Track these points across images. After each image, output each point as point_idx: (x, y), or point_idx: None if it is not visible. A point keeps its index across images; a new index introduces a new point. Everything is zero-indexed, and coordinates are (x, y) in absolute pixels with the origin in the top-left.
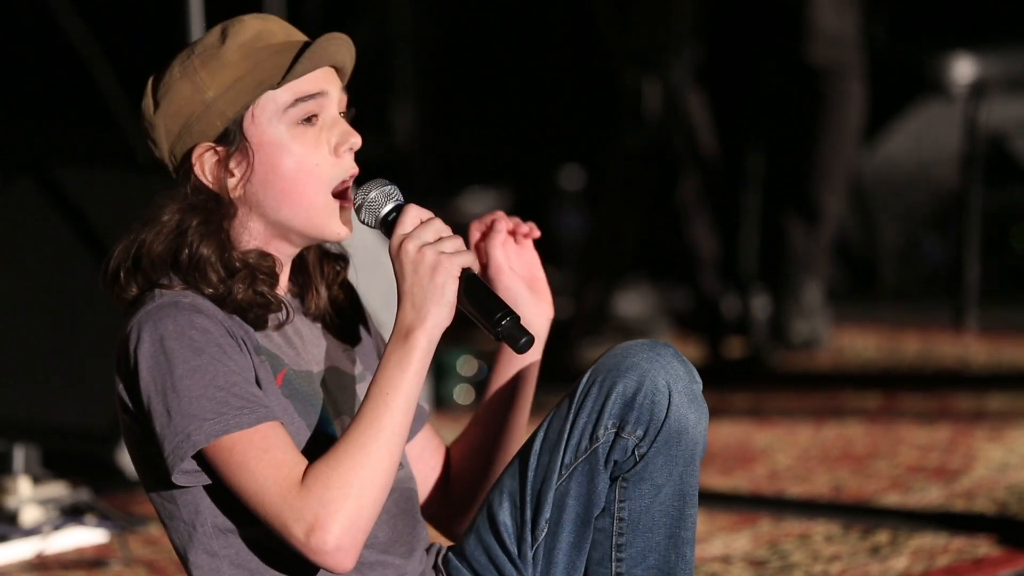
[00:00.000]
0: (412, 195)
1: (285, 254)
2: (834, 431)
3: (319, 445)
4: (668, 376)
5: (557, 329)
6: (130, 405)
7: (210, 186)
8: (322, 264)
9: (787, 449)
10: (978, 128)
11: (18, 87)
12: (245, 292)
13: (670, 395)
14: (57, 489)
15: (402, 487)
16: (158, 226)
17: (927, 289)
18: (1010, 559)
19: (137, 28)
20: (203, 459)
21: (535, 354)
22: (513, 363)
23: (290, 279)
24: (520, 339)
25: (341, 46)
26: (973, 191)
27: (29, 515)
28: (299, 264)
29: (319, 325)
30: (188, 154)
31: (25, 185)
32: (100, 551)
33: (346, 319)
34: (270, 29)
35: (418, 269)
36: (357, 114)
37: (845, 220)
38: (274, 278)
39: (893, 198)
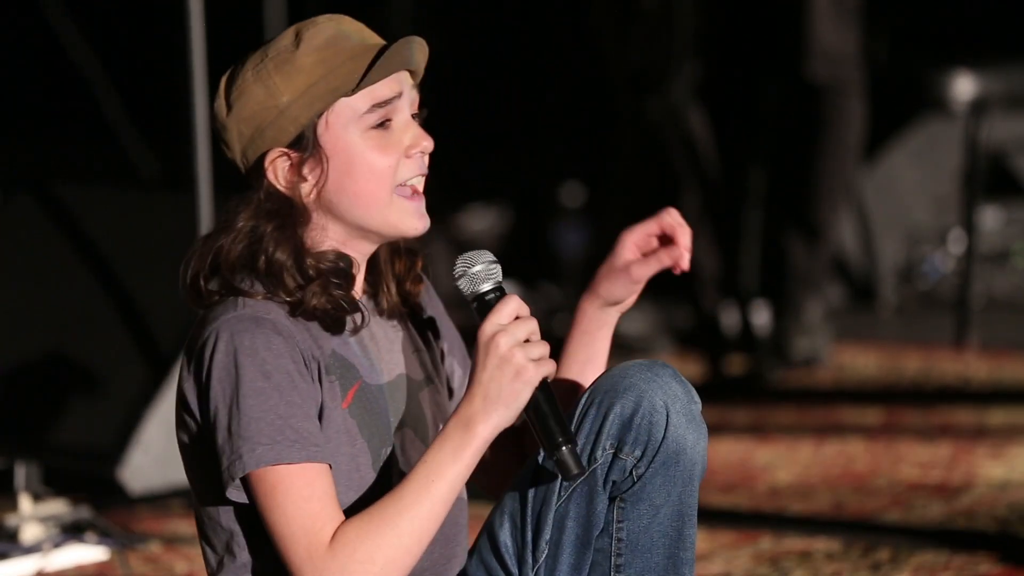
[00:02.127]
0: None
1: (363, 252)
2: (835, 448)
3: (382, 466)
4: (666, 396)
5: (558, 346)
6: (192, 404)
7: (283, 191)
8: (393, 259)
9: (788, 466)
10: (979, 145)
11: (18, 103)
12: (319, 298)
13: (668, 415)
14: (57, 506)
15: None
16: (233, 232)
17: (928, 306)
18: None
19: (137, 44)
20: (247, 483)
21: (612, 320)
22: (591, 331)
23: (365, 279)
24: (572, 470)
25: (415, 49)
26: (974, 208)
27: (30, 532)
28: (371, 261)
29: (393, 323)
30: (261, 159)
31: (26, 201)
32: (100, 568)
33: (420, 315)
34: (344, 32)
35: (503, 367)
36: None
37: (845, 237)
38: (349, 280)
39: (894, 215)
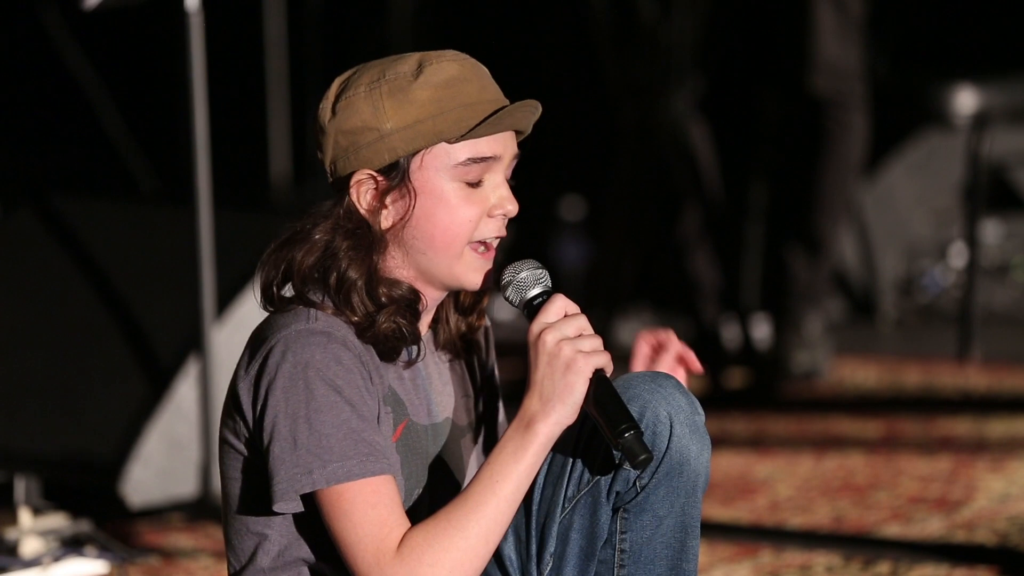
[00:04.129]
0: None
1: (431, 297)
2: (835, 462)
3: (414, 506)
4: (670, 407)
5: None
6: (245, 405)
7: (363, 213)
8: (460, 291)
9: (788, 480)
10: (980, 159)
11: (19, 117)
12: (387, 323)
13: (671, 426)
14: (57, 520)
15: None
16: (309, 243)
17: (927, 320)
18: None
19: (137, 58)
20: (309, 494)
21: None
22: None
23: (430, 323)
24: (640, 455)
25: (528, 113)
26: (976, 222)
27: (29, 546)
28: (439, 307)
29: (448, 362)
30: (349, 175)
31: (26, 215)
32: None
33: (475, 355)
34: (465, 76)
35: (553, 363)
36: None
37: (846, 251)
38: (416, 314)
39: (894, 229)
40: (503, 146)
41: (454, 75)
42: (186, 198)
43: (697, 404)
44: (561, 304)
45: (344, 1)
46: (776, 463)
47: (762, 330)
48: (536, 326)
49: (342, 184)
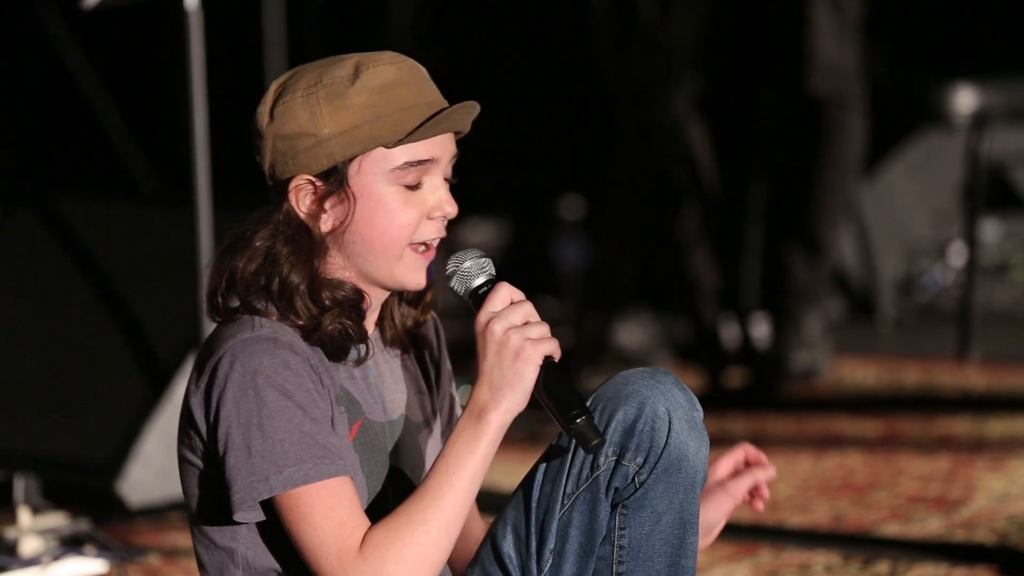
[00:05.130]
0: None
1: (375, 296)
2: (834, 461)
3: (377, 503)
4: (668, 403)
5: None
6: (199, 420)
7: (302, 218)
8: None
9: (787, 479)
10: (979, 159)
11: (18, 117)
12: (333, 325)
13: (670, 422)
14: (57, 519)
15: None
16: (250, 250)
17: (927, 319)
18: None
19: (137, 59)
20: (268, 501)
21: None
22: None
23: (376, 321)
24: (592, 440)
25: (465, 115)
26: (975, 221)
27: (29, 546)
28: (384, 304)
29: (398, 360)
30: (287, 180)
31: (26, 215)
32: None
33: (424, 351)
34: (402, 80)
35: (501, 352)
36: None
37: (845, 250)
38: (361, 314)
39: (893, 228)
40: (441, 148)
41: (390, 79)
42: (186, 198)
43: (695, 400)
44: (506, 292)
45: (344, 1)
46: (775, 463)
47: (761, 330)
48: (483, 315)
49: (281, 189)
